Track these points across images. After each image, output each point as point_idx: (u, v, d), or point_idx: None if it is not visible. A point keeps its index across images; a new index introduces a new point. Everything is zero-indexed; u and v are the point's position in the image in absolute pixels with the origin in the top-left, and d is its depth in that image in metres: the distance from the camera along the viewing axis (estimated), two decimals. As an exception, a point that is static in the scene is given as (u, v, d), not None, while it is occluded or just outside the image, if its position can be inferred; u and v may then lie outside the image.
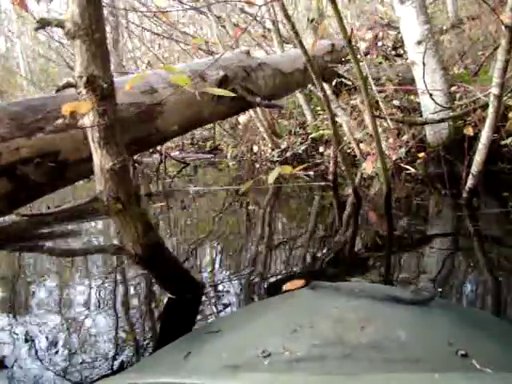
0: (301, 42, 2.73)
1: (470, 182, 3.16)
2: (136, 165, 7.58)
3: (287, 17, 2.67)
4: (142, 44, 9.89)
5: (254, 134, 7.18)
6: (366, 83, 2.85)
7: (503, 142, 4.21)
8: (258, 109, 6.56)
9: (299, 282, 1.42)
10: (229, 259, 2.68)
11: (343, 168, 5.57)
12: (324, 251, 2.75)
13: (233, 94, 1.98)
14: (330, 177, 4.35)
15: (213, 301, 2.05)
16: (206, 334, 1.17)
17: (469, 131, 3.96)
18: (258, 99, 3.13)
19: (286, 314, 1.17)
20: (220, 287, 2.19)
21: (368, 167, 3.45)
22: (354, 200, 3.53)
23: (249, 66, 3.19)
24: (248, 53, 3.32)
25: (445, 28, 6.24)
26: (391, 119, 3.90)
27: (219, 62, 2.96)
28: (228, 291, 2.14)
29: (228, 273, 2.42)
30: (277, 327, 1.09)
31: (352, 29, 6.06)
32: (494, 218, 3.07)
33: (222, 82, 2.80)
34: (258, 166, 6.65)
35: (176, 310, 2.02)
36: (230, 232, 3.30)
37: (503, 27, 2.59)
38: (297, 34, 2.72)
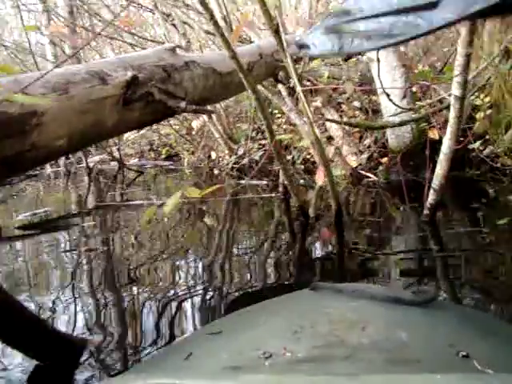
0: (223, 35, 2.26)
1: (431, 197, 2.72)
2: (91, 174, 7.23)
3: (203, 4, 2.19)
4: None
5: (211, 139, 6.74)
6: (301, 82, 2.39)
7: (471, 146, 3.80)
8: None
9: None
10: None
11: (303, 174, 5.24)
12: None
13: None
14: (280, 188, 3.88)
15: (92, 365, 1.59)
16: (207, 335, 1.16)
17: (434, 134, 3.55)
18: (182, 104, 2.65)
19: (287, 315, 1.16)
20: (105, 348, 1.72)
21: (319, 178, 2.99)
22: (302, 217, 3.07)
23: (171, 65, 2.70)
24: (173, 50, 2.84)
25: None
26: (345, 123, 3.44)
27: (131, 61, 2.49)
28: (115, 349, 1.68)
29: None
30: (278, 328, 1.07)
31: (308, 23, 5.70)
32: (460, 239, 2.63)
33: (131, 85, 2.31)
34: (216, 173, 6.19)
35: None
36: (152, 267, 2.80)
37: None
38: (216, 24, 2.25)
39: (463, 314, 1.31)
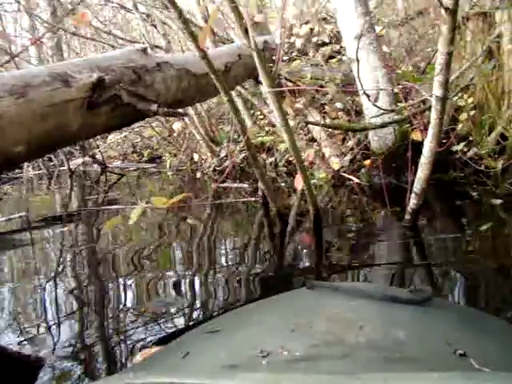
0: (192, 34, 2.15)
1: (412, 201, 2.62)
2: (72, 176, 7.12)
3: (171, 1, 2.08)
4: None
5: (193, 141, 6.62)
6: (274, 83, 2.29)
7: (454, 148, 3.72)
8: (193, 114, 6.01)
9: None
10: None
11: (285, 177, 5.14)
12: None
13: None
14: (260, 192, 3.77)
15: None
16: (205, 333, 1.15)
17: (417, 136, 3.46)
18: (153, 107, 2.54)
19: (285, 314, 1.15)
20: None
21: (297, 183, 2.89)
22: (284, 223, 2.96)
23: (142, 66, 2.60)
24: (144, 50, 2.73)
25: (391, 24, 5.76)
26: (324, 125, 3.34)
27: (98, 63, 2.37)
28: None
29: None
30: (275, 327, 1.06)
31: (292, 25, 5.61)
32: (442, 246, 2.54)
33: (96, 87, 2.20)
34: (199, 175, 6.07)
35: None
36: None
37: (442, 11, 2.04)
38: (185, 22, 2.14)
39: (460, 313, 1.30)
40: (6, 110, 1.82)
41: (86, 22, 2.03)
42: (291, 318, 1.09)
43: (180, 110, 2.87)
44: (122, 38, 6.81)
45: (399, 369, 0.87)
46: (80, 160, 7.69)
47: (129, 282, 2.37)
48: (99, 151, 7.76)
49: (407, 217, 2.68)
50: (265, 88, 2.23)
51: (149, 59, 2.70)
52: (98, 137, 8.27)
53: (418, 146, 3.24)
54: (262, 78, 2.30)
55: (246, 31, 2.00)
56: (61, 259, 2.91)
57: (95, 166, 7.56)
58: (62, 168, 7.47)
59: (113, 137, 8.16)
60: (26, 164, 8.16)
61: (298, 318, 1.07)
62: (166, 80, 2.77)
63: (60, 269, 2.70)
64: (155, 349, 1.42)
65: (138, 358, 1.51)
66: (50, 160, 7.94)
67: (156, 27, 6.07)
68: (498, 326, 1.31)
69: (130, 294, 2.27)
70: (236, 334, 1.09)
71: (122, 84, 2.38)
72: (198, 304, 2.05)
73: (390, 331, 0.98)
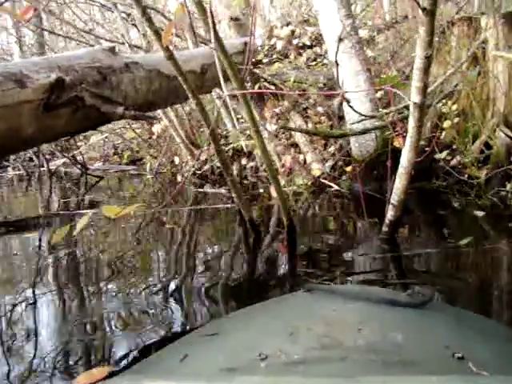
0: (157, 33, 2.01)
1: (390, 213, 2.49)
2: (51, 177, 6.97)
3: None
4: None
5: (174, 144, 6.49)
6: (242, 87, 2.16)
7: (437, 157, 3.62)
8: (173, 116, 5.87)
9: (98, 373, 1.26)
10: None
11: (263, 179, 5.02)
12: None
13: None
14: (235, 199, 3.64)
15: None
16: (203, 336, 1.15)
17: (399, 143, 3.35)
18: (119, 109, 2.41)
19: (283, 317, 1.14)
20: None
21: (273, 191, 2.76)
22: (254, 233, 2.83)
23: (108, 66, 2.46)
24: (112, 50, 2.60)
25: (376, 28, 5.66)
26: (302, 131, 3.22)
27: (59, 62, 2.23)
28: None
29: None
30: (273, 330, 1.06)
31: (272, 27, 5.49)
32: (420, 262, 2.42)
33: (55, 88, 2.06)
34: (179, 179, 5.94)
35: None
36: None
37: (420, 12, 1.92)
38: (149, 20, 2.00)
39: (459, 316, 1.29)
40: None
41: (24, 18, 1.87)
42: (289, 321, 1.09)
43: (150, 114, 2.73)
44: (103, 38, 6.66)
45: (398, 372, 0.86)
46: (61, 161, 7.57)
47: (90, 292, 2.25)
48: (80, 152, 7.64)
49: (385, 229, 2.55)
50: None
51: (116, 59, 2.57)
52: (80, 137, 8.17)
53: (399, 154, 3.14)
54: (232, 80, 2.16)
55: (214, 29, 1.87)
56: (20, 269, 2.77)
57: (78, 166, 7.44)
58: (43, 169, 7.34)
59: (94, 138, 8.05)
60: (5, 163, 8.04)
61: (296, 320, 1.07)
62: (135, 81, 2.64)
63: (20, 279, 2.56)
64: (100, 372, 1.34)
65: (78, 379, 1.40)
66: (31, 160, 7.81)
67: (136, 26, 5.93)
68: (496, 329, 1.32)
69: (94, 304, 2.15)
70: (234, 337, 1.10)
71: (84, 85, 2.25)
72: (164, 315, 1.93)
73: (388, 334, 0.98)
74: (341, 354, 0.91)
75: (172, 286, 2.28)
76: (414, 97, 2.13)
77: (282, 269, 2.50)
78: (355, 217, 3.35)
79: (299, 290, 1.29)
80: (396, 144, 3.41)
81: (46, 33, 9.04)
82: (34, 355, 1.65)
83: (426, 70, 2.05)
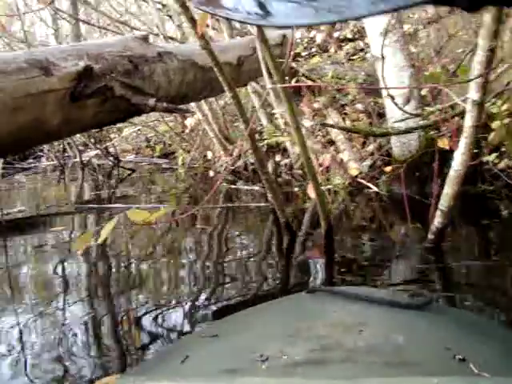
0: (192, 18, 1.87)
1: (437, 220, 2.30)
2: (84, 169, 6.96)
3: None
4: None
5: (207, 138, 6.37)
6: (283, 81, 2.00)
7: (485, 159, 3.40)
8: (206, 110, 5.74)
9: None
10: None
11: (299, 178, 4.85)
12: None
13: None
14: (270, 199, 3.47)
15: None
16: (204, 337, 1.15)
17: (444, 144, 3.15)
18: (151, 101, 2.26)
19: (284, 318, 1.15)
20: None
21: (310, 191, 2.60)
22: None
23: (141, 56, 2.32)
24: (145, 38, 2.46)
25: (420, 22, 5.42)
26: (341, 128, 3.05)
27: (88, 50, 2.11)
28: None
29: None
30: (274, 331, 1.06)
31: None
32: (469, 275, 2.22)
33: (83, 77, 1.93)
34: (211, 174, 5.81)
35: None
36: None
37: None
38: (183, 6, 1.85)
39: (459, 318, 1.28)
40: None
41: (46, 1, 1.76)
42: (291, 322, 1.09)
43: (182, 106, 2.59)
44: (138, 29, 6.56)
45: (398, 373, 0.86)
46: (94, 152, 7.58)
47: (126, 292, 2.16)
48: (112, 144, 7.63)
49: (430, 236, 2.36)
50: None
51: (149, 48, 2.42)
52: (113, 129, 8.15)
53: (444, 155, 2.95)
54: (272, 71, 2.00)
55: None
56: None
57: (110, 158, 7.41)
58: (76, 160, 7.34)
59: (127, 130, 8.03)
60: (39, 154, 8.09)
61: (298, 322, 1.07)
62: (168, 72, 2.49)
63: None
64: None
65: None
66: (65, 151, 7.83)
67: (171, 17, 5.81)
68: (497, 330, 1.30)
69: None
70: (235, 339, 1.09)
71: (114, 74, 2.11)
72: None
73: (389, 336, 0.97)
74: (342, 355, 0.91)
75: (202, 297, 2.15)
76: (473, 93, 1.93)
77: (319, 276, 2.34)
78: (397, 221, 3.16)
79: (301, 292, 1.28)
80: (440, 144, 3.21)
81: (82, 25, 9.00)
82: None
83: (489, 64, 1.85)
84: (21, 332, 1.84)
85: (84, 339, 1.79)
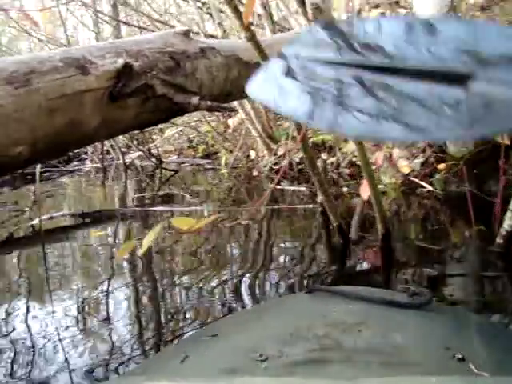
0: (236, 8, 1.74)
1: (507, 222, 2.10)
2: (127, 171, 6.96)
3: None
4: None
5: (250, 137, 6.25)
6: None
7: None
8: (249, 109, 5.62)
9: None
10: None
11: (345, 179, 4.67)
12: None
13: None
14: (319, 198, 3.30)
15: None
16: (203, 337, 1.13)
17: (502, 138, 2.95)
18: (194, 100, 2.14)
19: (284, 318, 1.15)
20: None
21: (363, 191, 2.43)
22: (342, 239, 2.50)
23: (182, 52, 2.20)
24: (186, 34, 2.33)
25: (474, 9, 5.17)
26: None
27: (126, 47, 1.99)
28: None
29: None
30: (274, 331, 1.06)
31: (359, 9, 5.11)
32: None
33: (122, 75, 1.82)
34: (255, 174, 5.70)
35: None
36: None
37: None
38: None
39: (459, 317, 1.27)
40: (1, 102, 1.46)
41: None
42: (290, 322, 1.08)
43: (226, 105, 2.46)
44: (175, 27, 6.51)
45: (398, 373, 0.86)
46: (136, 154, 7.60)
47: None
48: (155, 145, 7.64)
49: (499, 241, 2.16)
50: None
51: (191, 44, 2.30)
52: (155, 131, 8.15)
53: (505, 151, 2.74)
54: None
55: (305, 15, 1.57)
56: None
57: (153, 160, 7.39)
58: (119, 162, 7.37)
59: (169, 131, 8.04)
60: (83, 156, 8.16)
61: (297, 322, 1.06)
62: (212, 68, 2.36)
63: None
64: None
65: None
66: (108, 153, 7.89)
67: (211, 15, 5.70)
68: (496, 330, 1.31)
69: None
70: (235, 338, 1.08)
71: (155, 72, 1.99)
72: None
73: (388, 335, 0.97)
74: (341, 355, 0.91)
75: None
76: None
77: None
78: (457, 222, 2.95)
79: (301, 291, 1.23)
80: (499, 139, 3.00)
81: (122, 28, 9.05)
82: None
83: None
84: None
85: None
